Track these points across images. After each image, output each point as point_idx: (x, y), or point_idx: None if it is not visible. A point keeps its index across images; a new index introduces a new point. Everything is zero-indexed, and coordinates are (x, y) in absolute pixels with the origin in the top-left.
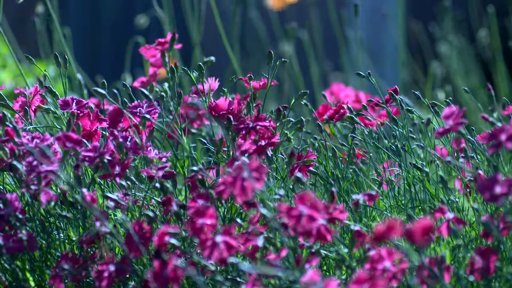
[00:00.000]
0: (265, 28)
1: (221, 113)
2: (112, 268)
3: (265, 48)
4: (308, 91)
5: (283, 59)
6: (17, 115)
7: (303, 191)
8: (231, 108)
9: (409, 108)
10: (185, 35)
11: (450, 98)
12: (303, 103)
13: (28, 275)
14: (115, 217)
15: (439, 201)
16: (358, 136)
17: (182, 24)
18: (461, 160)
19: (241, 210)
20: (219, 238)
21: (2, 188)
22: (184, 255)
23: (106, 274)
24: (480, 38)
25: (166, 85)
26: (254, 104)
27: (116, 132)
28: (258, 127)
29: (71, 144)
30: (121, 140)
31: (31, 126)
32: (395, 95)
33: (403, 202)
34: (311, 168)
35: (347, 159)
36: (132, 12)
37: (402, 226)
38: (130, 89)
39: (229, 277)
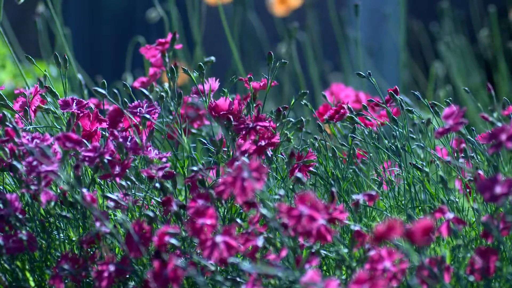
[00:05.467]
0: (264, 28)
1: (221, 113)
2: (112, 268)
3: (264, 48)
4: (308, 91)
5: (283, 60)
6: (17, 115)
7: (303, 191)
8: (231, 108)
9: (409, 108)
10: (186, 35)
11: (450, 98)
12: (303, 103)
13: (28, 275)
14: (115, 217)
15: (439, 201)
16: (358, 136)
17: (183, 24)
18: (461, 160)
19: (241, 210)
20: (219, 238)
21: (2, 188)
22: (184, 255)
23: (106, 274)
24: (481, 38)
25: (166, 85)
26: (254, 105)
27: (116, 132)
28: (258, 127)
29: (71, 144)
30: (121, 140)
31: (31, 126)
32: (395, 95)
33: (403, 202)
34: (311, 168)
35: (347, 159)
36: (133, 11)
37: (402, 226)
38: (130, 89)
39: (229, 277)
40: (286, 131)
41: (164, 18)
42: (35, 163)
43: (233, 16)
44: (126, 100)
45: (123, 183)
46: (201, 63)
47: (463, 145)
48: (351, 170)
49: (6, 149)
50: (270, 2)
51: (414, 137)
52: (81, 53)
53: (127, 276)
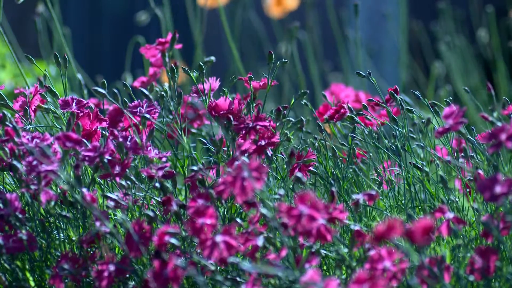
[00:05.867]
0: (264, 28)
1: (221, 113)
2: (112, 268)
3: (264, 48)
4: (308, 91)
5: (283, 60)
6: (17, 115)
7: (303, 191)
8: (231, 108)
9: (409, 107)
10: (186, 35)
11: (450, 97)
12: (303, 103)
13: (28, 275)
14: (115, 217)
15: (439, 201)
16: (358, 136)
17: (183, 23)
18: (461, 160)
19: (241, 210)
20: (219, 238)
21: (2, 188)
22: (184, 255)
23: (106, 274)
24: (479, 38)
25: (166, 85)
26: (254, 104)
27: (116, 132)
28: (258, 127)
29: (71, 144)
30: (121, 139)
31: (31, 126)
32: (395, 95)
33: (403, 202)
34: (311, 168)
35: (347, 159)
36: (133, 12)
37: (402, 226)
38: (130, 88)
39: (229, 277)
40: (286, 131)
41: (162, 19)
42: (35, 162)
43: (233, 16)
44: (126, 99)
45: (123, 182)
46: (201, 63)
47: (463, 144)
48: (351, 170)
49: (6, 149)
50: (267, 4)
51: (414, 136)
52: (81, 53)
53: (127, 276)
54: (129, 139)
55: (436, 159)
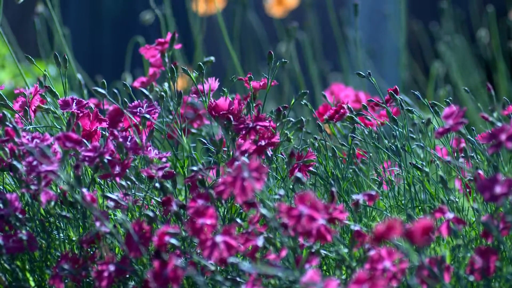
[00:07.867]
0: (263, 28)
1: (221, 113)
2: (112, 268)
3: (263, 48)
4: (308, 91)
5: (283, 60)
6: (17, 115)
7: (303, 191)
8: (231, 108)
9: (409, 108)
10: (186, 35)
11: (450, 98)
12: (303, 103)
13: (28, 275)
14: (115, 217)
15: (439, 201)
16: (358, 136)
17: (183, 23)
18: (461, 160)
19: (241, 210)
20: (219, 238)
21: (2, 188)
22: (184, 255)
23: (106, 274)
24: (480, 38)
25: (166, 85)
26: (254, 104)
27: (116, 132)
28: (258, 127)
29: (71, 144)
30: (121, 140)
31: (31, 126)
32: (395, 95)
33: (403, 202)
34: (311, 168)
35: (347, 159)
36: (133, 12)
37: (402, 226)
38: (130, 89)
39: (229, 277)
40: (286, 131)
41: (162, 20)
42: (35, 163)
43: (232, 16)
44: (126, 100)
45: (123, 183)
46: (200, 63)
47: (463, 145)
48: (351, 170)
49: (6, 149)
50: (267, 4)
51: (414, 137)
52: (81, 53)
53: (127, 276)
54: (129, 139)
55: (436, 159)
